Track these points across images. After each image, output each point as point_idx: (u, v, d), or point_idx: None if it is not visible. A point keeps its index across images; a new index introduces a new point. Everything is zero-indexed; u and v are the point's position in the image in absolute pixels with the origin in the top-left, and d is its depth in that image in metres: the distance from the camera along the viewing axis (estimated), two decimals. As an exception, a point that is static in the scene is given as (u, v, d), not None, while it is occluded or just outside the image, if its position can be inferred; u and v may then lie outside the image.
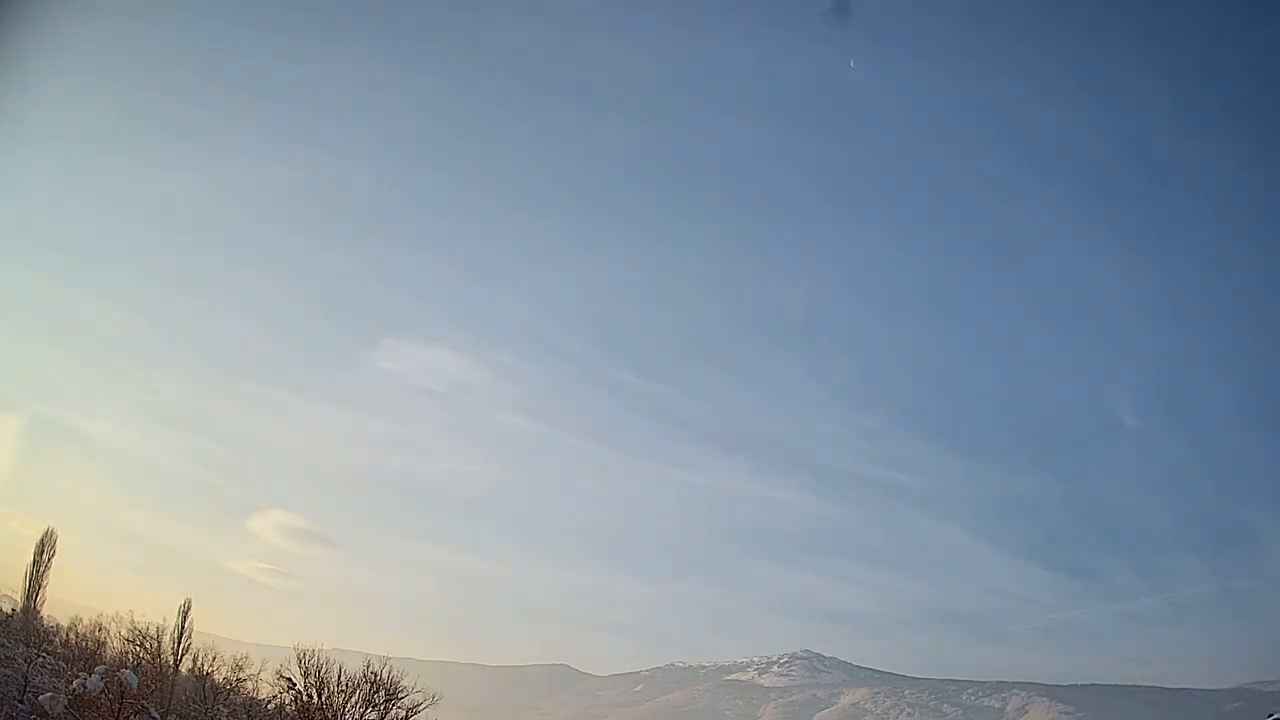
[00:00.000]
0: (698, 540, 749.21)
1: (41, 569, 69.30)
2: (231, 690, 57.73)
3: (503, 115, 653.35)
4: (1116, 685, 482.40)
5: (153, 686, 47.64)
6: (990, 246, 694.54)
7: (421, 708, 51.04)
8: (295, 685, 48.24)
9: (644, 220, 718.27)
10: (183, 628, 57.86)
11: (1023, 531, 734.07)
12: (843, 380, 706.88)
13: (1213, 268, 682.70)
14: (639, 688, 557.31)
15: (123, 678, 42.12)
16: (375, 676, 49.24)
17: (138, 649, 54.36)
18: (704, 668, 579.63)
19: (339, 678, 48.60)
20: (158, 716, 46.44)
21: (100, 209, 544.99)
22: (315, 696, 47.75)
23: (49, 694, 43.37)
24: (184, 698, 55.52)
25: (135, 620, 55.77)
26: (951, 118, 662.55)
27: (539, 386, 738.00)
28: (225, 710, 56.21)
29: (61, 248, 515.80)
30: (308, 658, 48.28)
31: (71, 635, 66.50)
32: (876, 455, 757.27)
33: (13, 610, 69.99)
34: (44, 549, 69.95)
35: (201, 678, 55.67)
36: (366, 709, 48.78)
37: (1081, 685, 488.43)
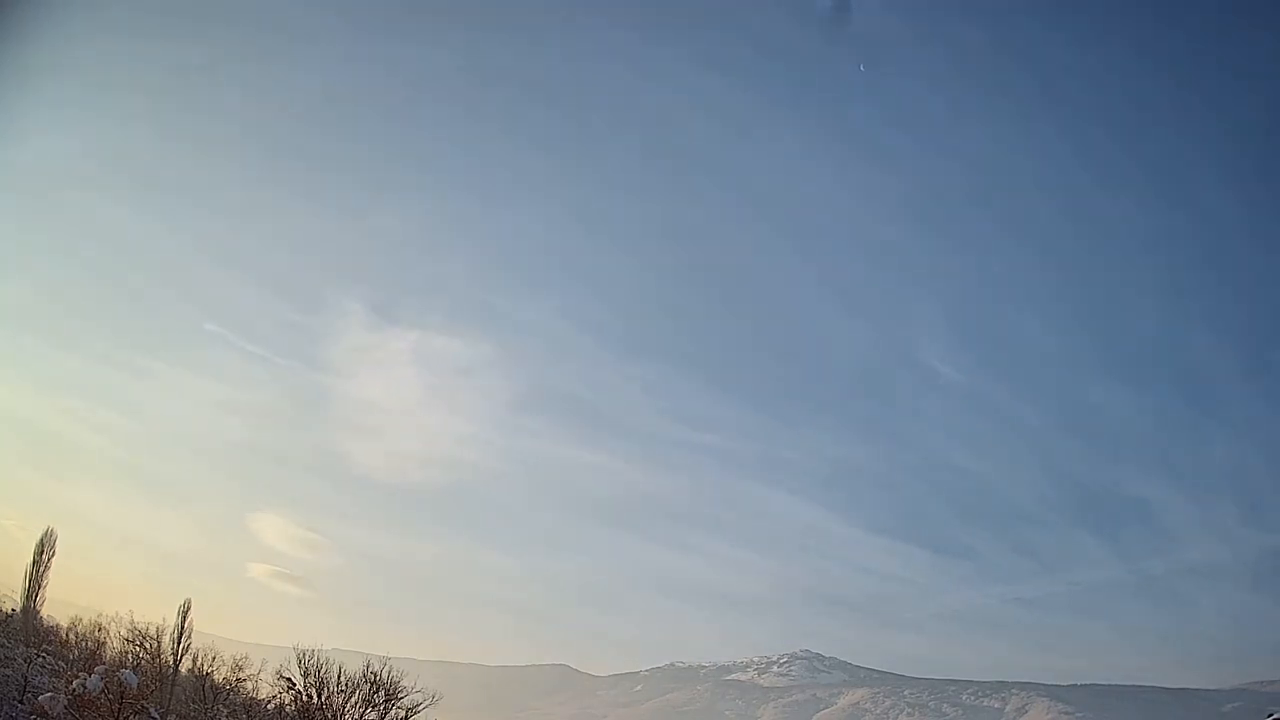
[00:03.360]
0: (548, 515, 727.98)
1: (41, 569, 69.27)
2: (231, 690, 57.73)
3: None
4: (1116, 685, 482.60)
5: (152, 686, 47.58)
6: (741, 187, 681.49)
7: (421, 708, 51.01)
8: (295, 685, 48.20)
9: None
10: (182, 628, 57.77)
11: (876, 504, 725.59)
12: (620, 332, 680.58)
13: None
14: (639, 688, 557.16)
15: (122, 678, 42.05)
16: (375, 676, 49.20)
17: (137, 649, 54.34)
18: (704, 668, 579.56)
19: (339, 678, 48.57)
20: (157, 717, 46.43)
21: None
22: (315, 696, 47.71)
23: (49, 694, 43.33)
24: (184, 698, 55.54)
25: (135, 620, 55.81)
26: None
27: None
28: (225, 710, 56.22)
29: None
30: (307, 658, 48.26)
31: (71, 635, 66.50)
32: (680, 414, 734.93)
33: (13, 610, 69.94)
34: (44, 549, 69.93)
35: (201, 678, 55.66)
36: (366, 709, 48.73)
37: (1081, 685, 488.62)
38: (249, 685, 59.03)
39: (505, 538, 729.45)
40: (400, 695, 49.83)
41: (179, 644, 56.91)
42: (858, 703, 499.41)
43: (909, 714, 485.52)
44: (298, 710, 48.07)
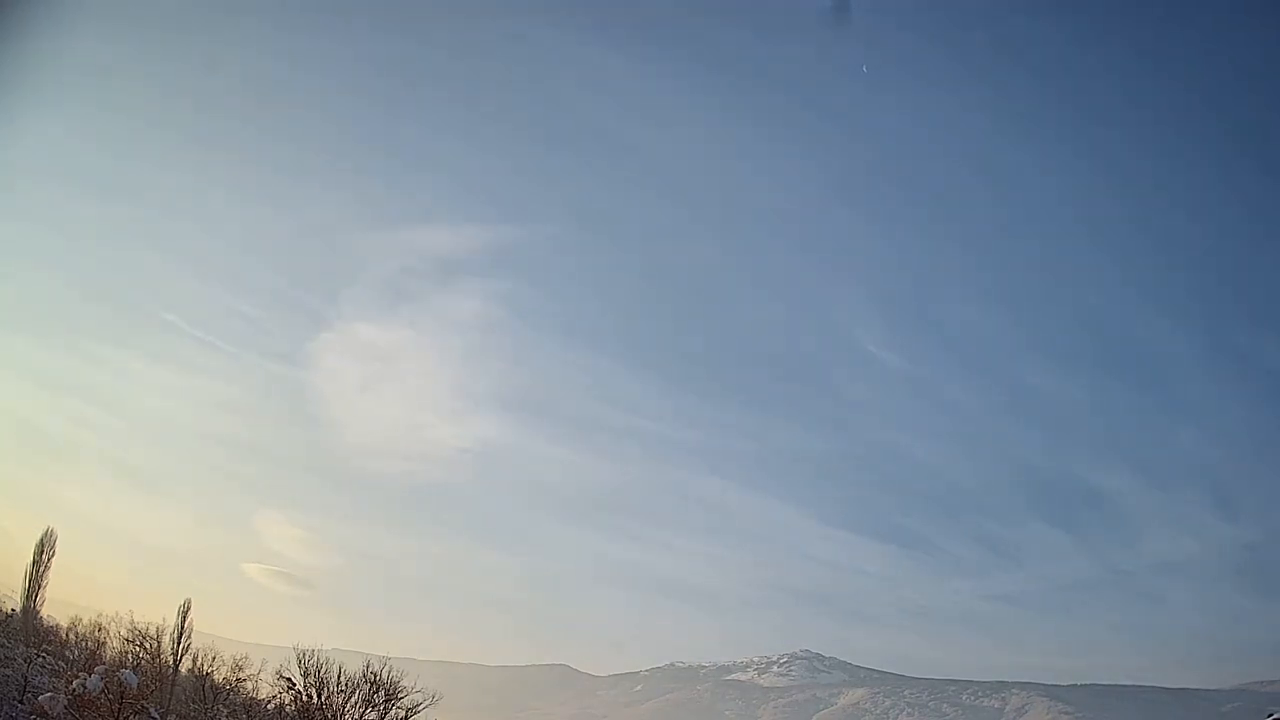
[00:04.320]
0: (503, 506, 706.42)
1: (41, 569, 69.28)
2: (231, 690, 57.73)
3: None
4: (1116, 685, 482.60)
5: (152, 686, 47.57)
6: (655, 169, 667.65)
7: (421, 708, 51.00)
8: (295, 685, 48.20)
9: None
10: (182, 628, 57.81)
11: (827, 495, 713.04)
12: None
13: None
14: (639, 688, 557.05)
15: (122, 678, 42.06)
16: (375, 676, 49.18)
17: (137, 649, 54.36)
18: (704, 668, 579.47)
19: (339, 678, 48.56)
20: (157, 717, 46.44)
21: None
22: (315, 696, 47.71)
23: (49, 694, 43.33)
24: (184, 698, 55.55)
25: (135, 620, 55.84)
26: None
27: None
28: (225, 710, 56.22)
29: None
30: (307, 658, 48.26)
31: (71, 635, 66.51)
32: (620, 400, 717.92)
33: (13, 610, 69.93)
34: (44, 549, 69.94)
35: (201, 678, 55.67)
36: (366, 709, 48.72)
37: (1081, 685, 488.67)
38: (249, 685, 59.08)
39: (481, 533, 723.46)
40: (400, 695, 49.83)
41: (179, 644, 56.95)
42: (858, 703, 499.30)
43: (909, 714, 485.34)
44: (298, 710, 48.06)
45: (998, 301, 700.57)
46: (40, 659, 55.98)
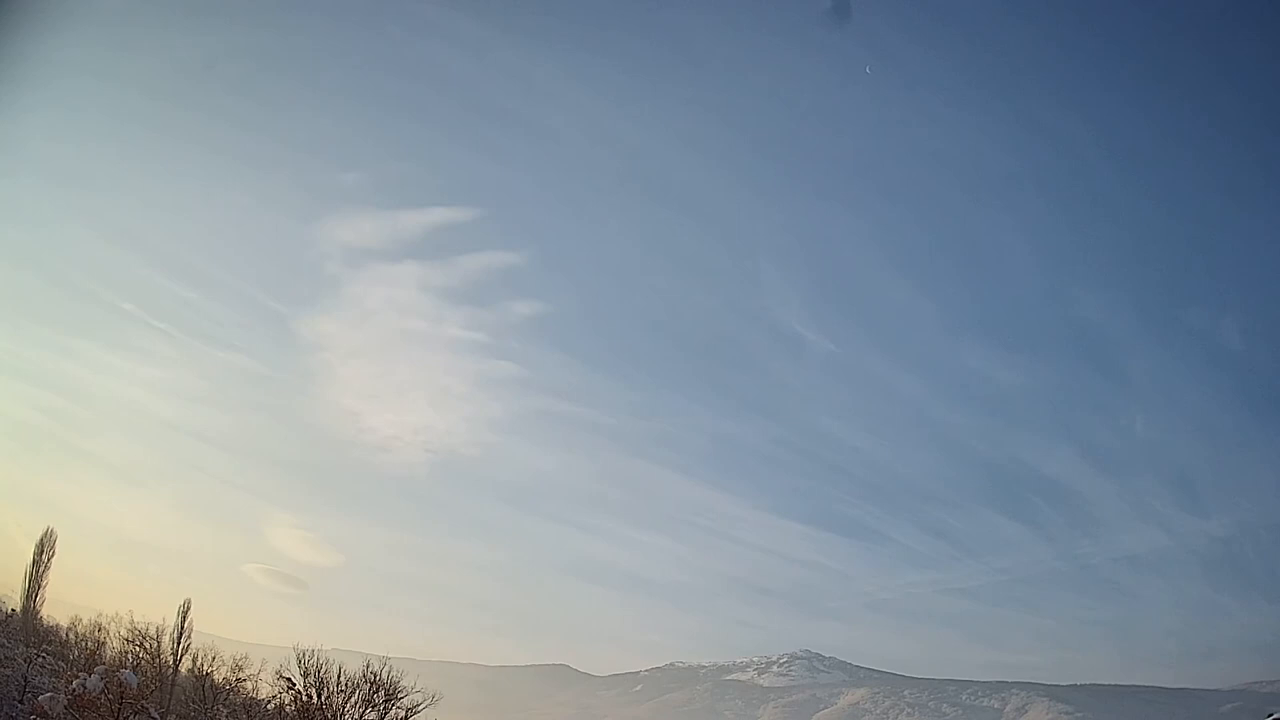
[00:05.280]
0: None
1: (41, 569, 69.36)
2: (231, 690, 57.72)
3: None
4: (1116, 685, 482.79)
5: (152, 686, 47.66)
6: (575, 156, 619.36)
7: (421, 708, 51.00)
8: (295, 685, 48.22)
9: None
10: (182, 628, 57.90)
11: (770, 485, 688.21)
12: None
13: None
14: (639, 688, 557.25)
15: (122, 678, 42.13)
16: (375, 676, 49.21)
17: (137, 649, 54.38)
18: (703, 668, 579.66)
19: (339, 678, 48.59)
20: (157, 717, 46.45)
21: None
22: (315, 696, 47.73)
23: (49, 694, 43.38)
24: (183, 698, 55.57)
25: (135, 620, 55.86)
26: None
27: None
28: (225, 710, 56.20)
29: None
30: (307, 658, 48.29)
31: (71, 635, 66.54)
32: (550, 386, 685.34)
33: (12, 610, 69.99)
34: (44, 549, 70.02)
35: (201, 678, 55.67)
36: (366, 709, 48.74)
37: (1081, 685, 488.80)
38: (249, 685, 59.03)
39: (454, 528, 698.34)
40: (400, 695, 49.85)
41: (179, 644, 57.03)
42: (857, 703, 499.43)
43: (909, 714, 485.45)
44: (297, 710, 48.06)
45: (927, 280, 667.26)
46: (40, 659, 56.04)
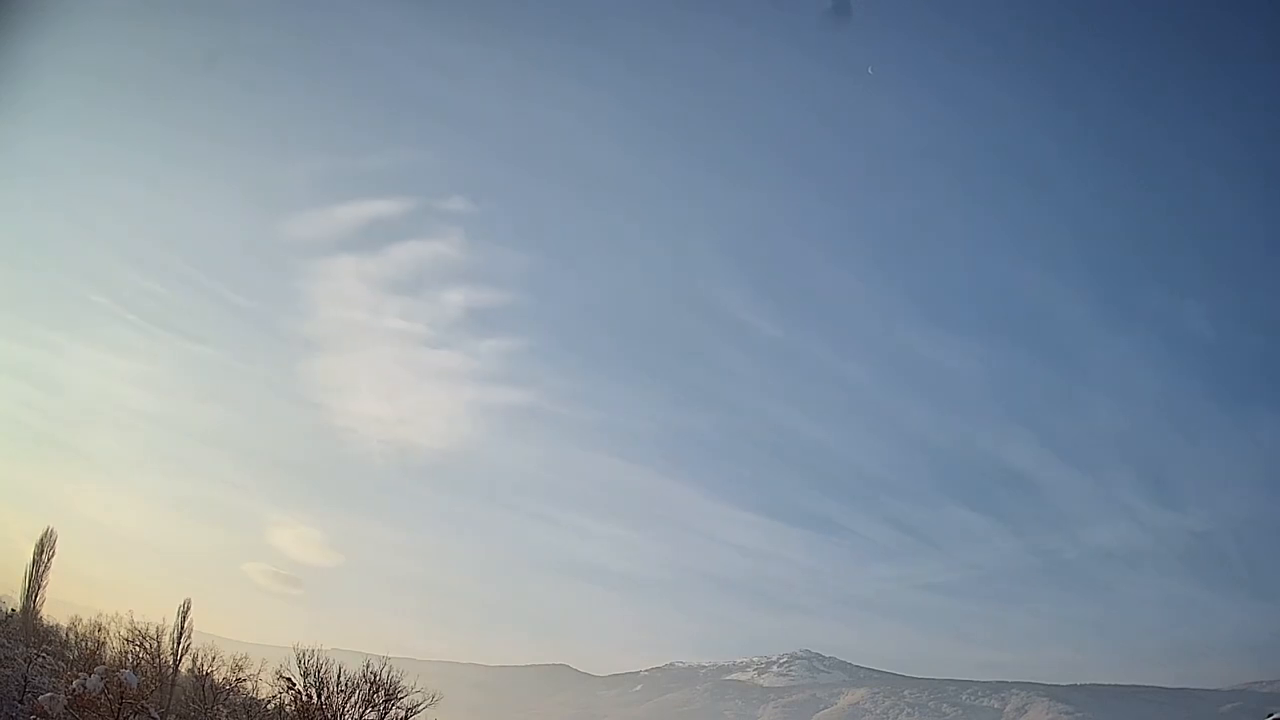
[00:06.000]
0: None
1: (41, 569, 69.37)
2: (231, 690, 57.74)
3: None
4: (1116, 685, 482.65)
5: (152, 687, 47.63)
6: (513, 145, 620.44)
7: (421, 708, 50.94)
8: (295, 685, 48.22)
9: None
10: (182, 628, 57.94)
11: (724, 476, 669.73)
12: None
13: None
14: (638, 688, 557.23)
15: (122, 678, 42.10)
16: (375, 676, 49.18)
17: (137, 649, 54.40)
18: (703, 668, 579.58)
19: (338, 678, 48.58)
20: (157, 717, 46.44)
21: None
22: (315, 696, 47.72)
23: (49, 694, 43.33)
24: (183, 698, 55.58)
25: (135, 620, 55.89)
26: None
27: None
28: (225, 710, 56.22)
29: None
30: (307, 658, 48.30)
31: (71, 635, 66.55)
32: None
33: (12, 610, 69.99)
34: (44, 549, 70.02)
35: (201, 678, 55.69)
36: (366, 709, 48.73)
37: (1081, 685, 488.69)
38: (249, 685, 59.07)
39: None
40: (400, 695, 49.79)
41: (179, 644, 57.06)
42: (858, 703, 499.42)
43: (909, 714, 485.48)
44: (297, 710, 48.05)
45: (868, 265, 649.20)
46: (40, 659, 56.02)
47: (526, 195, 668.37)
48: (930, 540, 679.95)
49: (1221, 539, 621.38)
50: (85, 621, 66.55)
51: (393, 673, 49.97)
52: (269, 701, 54.35)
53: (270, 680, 53.35)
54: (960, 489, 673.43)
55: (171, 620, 57.81)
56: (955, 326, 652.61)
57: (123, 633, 56.61)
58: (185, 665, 57.20)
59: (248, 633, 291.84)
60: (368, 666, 49.68)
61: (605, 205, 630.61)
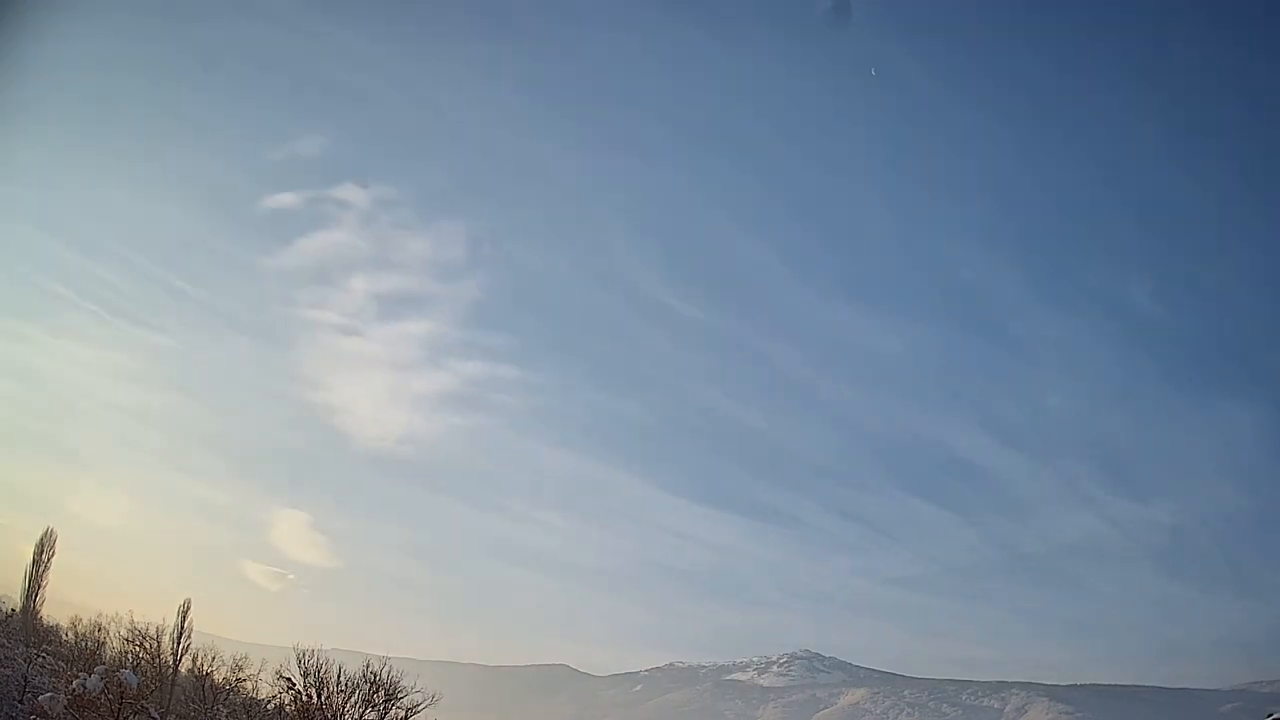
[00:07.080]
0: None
1: (41, 569, 69.36)
2: (231, 690, 57.76)
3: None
4: (1116, 685, 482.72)
5: (152, 686, 47.63)
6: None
7: (421, 708, 50.97)
8: (295, 685, 48.24)
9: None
10: (182, 627, 57.82)
11: (664, 464, 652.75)
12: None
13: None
14: (638, 688, 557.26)
15: (122, 678, 42.11)
16: (375, 676, 49.20)
17: (137, 649, 54.33)
18: (703, 668, 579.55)
19: (338, 678, 48.60)
20: (157, 717, 46.46)
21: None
22: (315, 696, 47.75)
23: (48, 694, 43.34)
24: (183, 698, 55.59)
25: (135, 620, 55.84)
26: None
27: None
28: (225, 710, 56.24)
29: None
30: (307, 658, 48.32)
31: (71, 635, 66.51)
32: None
33: (12, 610, 70.00)
34: (44, 549, 70.02)
35: (201, 678, 55.70)
36: (366, 709, 48.76)
37: (1081, 685, 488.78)
38: (249, 685, 59.08)
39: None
40: (400, 695, 49.82)
41: (179, 644, 56.95)
42: (858, 703, 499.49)
43: (909, 714, 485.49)
44: (297, 710, 48.08)
45: (787, 244, 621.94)
46: (40, 659, 56.03)
47: (429, 181, 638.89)
48: (885, 531, 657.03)
49: (1194, 534, 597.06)
50: (85, 621, 66.49)
51: (392, 673, 50.05)
52: (269, 701, 54.36)
53: (270, 680, 53.40)
54: (907, 477, 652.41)
55: (171, 620, 57.75)
56: (889, 306, 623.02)
57: (122, 633, 56.54)
58: (185, 665, 57.14)
59: (248, 633, 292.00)
60: (367, 666, 49.73)
61: (515, 184, 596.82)
